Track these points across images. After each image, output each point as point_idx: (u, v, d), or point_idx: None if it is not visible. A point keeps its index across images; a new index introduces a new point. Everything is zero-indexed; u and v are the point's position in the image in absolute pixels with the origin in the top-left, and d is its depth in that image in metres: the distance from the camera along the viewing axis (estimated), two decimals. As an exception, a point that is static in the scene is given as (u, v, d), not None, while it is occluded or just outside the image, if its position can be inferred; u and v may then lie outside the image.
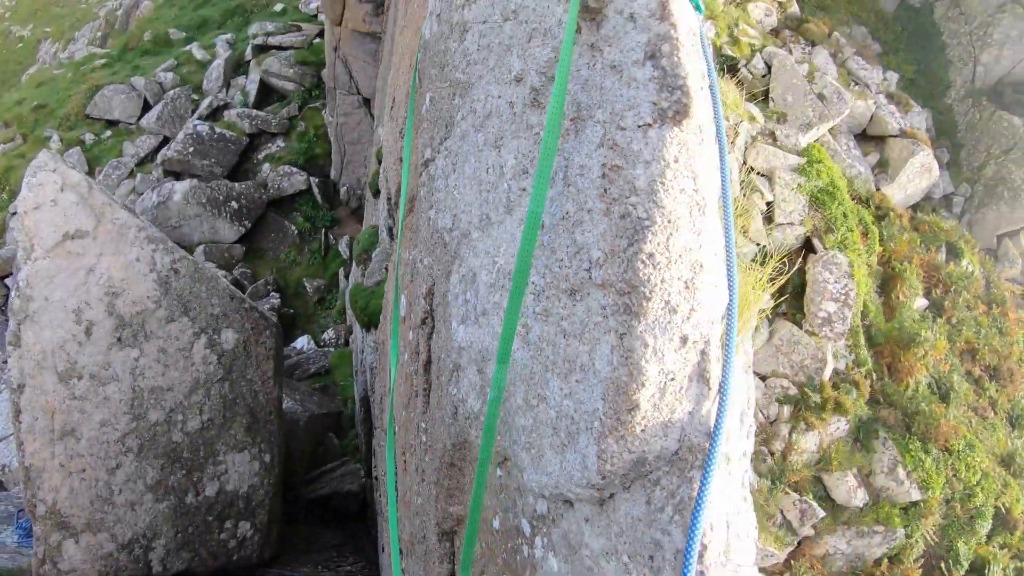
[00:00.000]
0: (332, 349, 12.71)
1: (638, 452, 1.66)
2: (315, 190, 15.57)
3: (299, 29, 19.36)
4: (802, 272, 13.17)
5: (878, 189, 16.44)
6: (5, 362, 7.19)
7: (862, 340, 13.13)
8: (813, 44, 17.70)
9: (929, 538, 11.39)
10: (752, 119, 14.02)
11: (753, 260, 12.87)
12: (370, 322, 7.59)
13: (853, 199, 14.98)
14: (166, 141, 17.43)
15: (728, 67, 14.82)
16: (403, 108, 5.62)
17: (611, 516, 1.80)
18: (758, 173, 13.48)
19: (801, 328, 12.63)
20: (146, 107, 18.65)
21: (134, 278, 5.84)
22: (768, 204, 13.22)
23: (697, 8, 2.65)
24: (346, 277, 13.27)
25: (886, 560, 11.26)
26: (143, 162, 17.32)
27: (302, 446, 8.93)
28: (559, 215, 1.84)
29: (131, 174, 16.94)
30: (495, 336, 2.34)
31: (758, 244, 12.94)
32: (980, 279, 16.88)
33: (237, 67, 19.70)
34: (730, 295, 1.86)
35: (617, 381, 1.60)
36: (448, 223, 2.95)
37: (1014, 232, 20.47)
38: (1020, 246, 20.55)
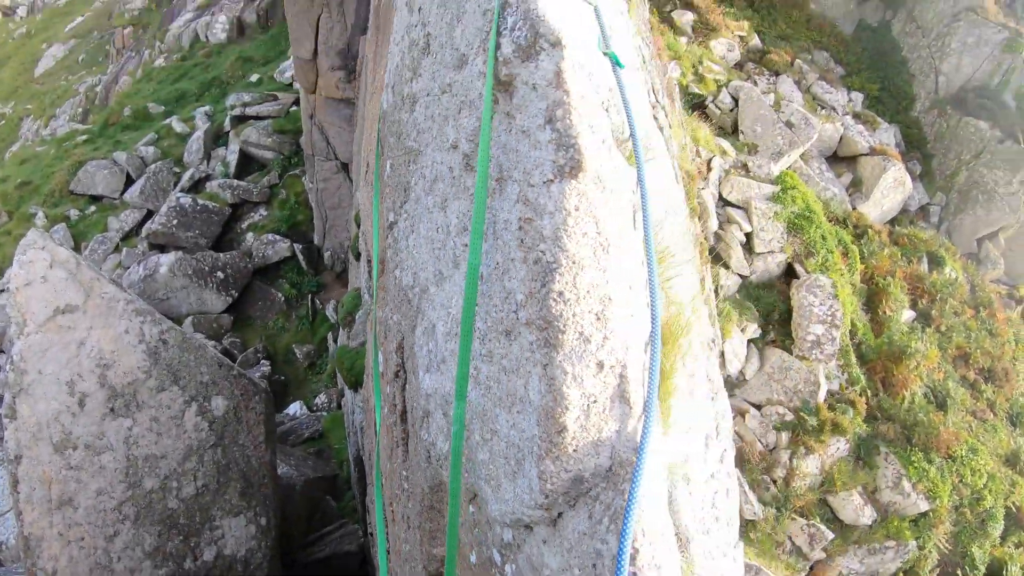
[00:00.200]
0: (325, 413, 12.84)
1: (574, 470, 1.89)
2: (299, 256, 15.90)
3: (275, 98, 20.02)
4: (787, 298, 13.46)
5: (854, 208, 16.87)
6: (1, 436, 7.37)
7: (853, 359, 13.33)
8: (777, 74, 18.39)
9: (942, 547, 11.40)
10: (724, 153, 14.48)
11: (737, 292, 13.17)
12: (357, 382, 7.79)
13: (830, 220, 15.38)
14: (150, 214, 17.81)
15: (696, 104, 15.38)
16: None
17: (562, 534, 2.02)
18: (734, 205, 13.88)
19: (791, 353, 12.84)
20: (129, 181, 19.08)
21: (124, 350, 6.09)
22: (747, 235, 13.59)
23: (615, 61, 2.98)
24: (335, 341, 13.49)
25: (901, 574, 11.24)
26: (128, 236, 17.67)
27: (299, 510, 9.01)
28: (492, 265, 2.12)
29: (117, 248, 17.27)
30: (454, 380, 2.58)
31: (741, 276, 13.26)
32: (964, 284, 17.18)
33: (216, 138, 20.27)
34: (652, 323, 2.12)
35: (546, 407, 1.84)
36: (410, 281, 3.22)
37: (992, 234, 20.88)
38: (1000, 246, 20.94)
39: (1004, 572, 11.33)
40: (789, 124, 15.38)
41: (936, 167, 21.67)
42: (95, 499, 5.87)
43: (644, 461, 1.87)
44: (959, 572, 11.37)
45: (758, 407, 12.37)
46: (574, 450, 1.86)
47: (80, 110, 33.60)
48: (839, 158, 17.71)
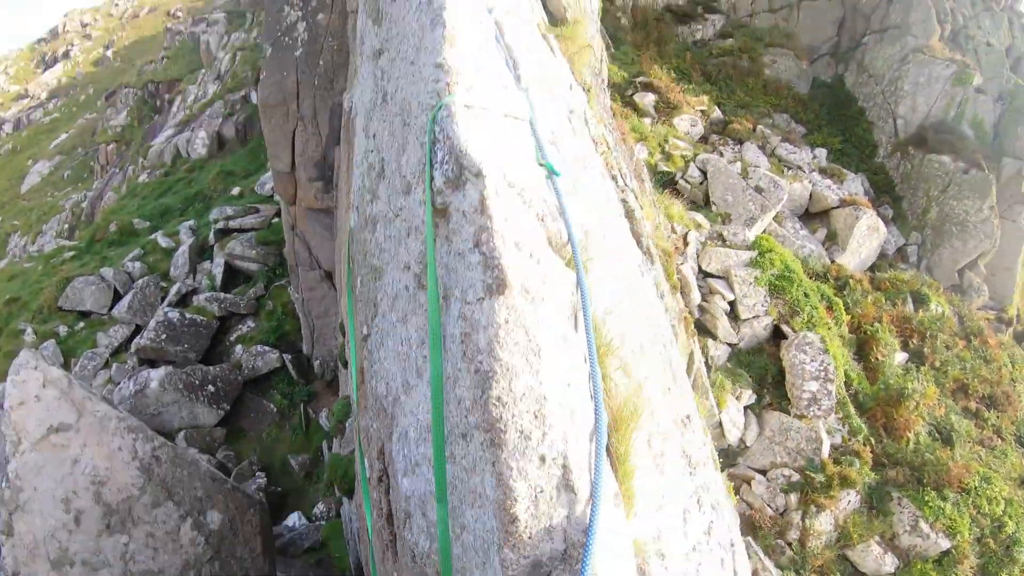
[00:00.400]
0: (324, 522, 12.71)
1: (532, 556, 2.11)
2: (289, 366, 16.09)
3: (257, 211, 20.72)
4: (777, 359, 13.66)
5: (833, 261, 17.36)
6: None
7: (852, 409, 13.46)
8: (741, 142, 19.27)
9: (971, 581, 11.25)
10: (698, 226, 15.02)
11: (728, 361, 13.39)
12: (350, 489, 7.87)
13: (811, 277, 15.81)
14: (138, 330, 18.06)
15: (666, 182, 16.05)
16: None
17: (532, 619, 2.21)
18: (715, 276, 14.30)
19: (789, 414, 12.97)
20: (116, 297, 19.43)
21: (118, 467, 6.26)
22: (731, 303, 13.94)
23: (551, 171, 3.34)
24: (329, 449, 13.52)
25: (933, 615, 11.03)
26: (118, 351, 17.84)
27: (303, 624, 8.87)
28: (447, 375, 2.39)
29: (106, 364, 17.42)
30: (428, 482, 2.81)
31: (730, 344, 13.53)
32: (952, 317, 17.50)
33: (202, 252, 20.83)
34: (596, 415, 2.38)
35: (499, 501, 2.07)
36: (384, 390, 3.48)
37: (972, 263, 21.38)
38: (982, 273, 21.37)
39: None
40: (758, 189, 16.00)
41: (907, 208, 22.33)
42: (95, 617, 5.90)
43: (593, 542, 2.09)
44: (992, 603, 11.24)
45: (763, 472, 12.37)
46: (529, 537, 2.08)
47: (66, 226, 34.56)
48: (811, 214, 18.30)
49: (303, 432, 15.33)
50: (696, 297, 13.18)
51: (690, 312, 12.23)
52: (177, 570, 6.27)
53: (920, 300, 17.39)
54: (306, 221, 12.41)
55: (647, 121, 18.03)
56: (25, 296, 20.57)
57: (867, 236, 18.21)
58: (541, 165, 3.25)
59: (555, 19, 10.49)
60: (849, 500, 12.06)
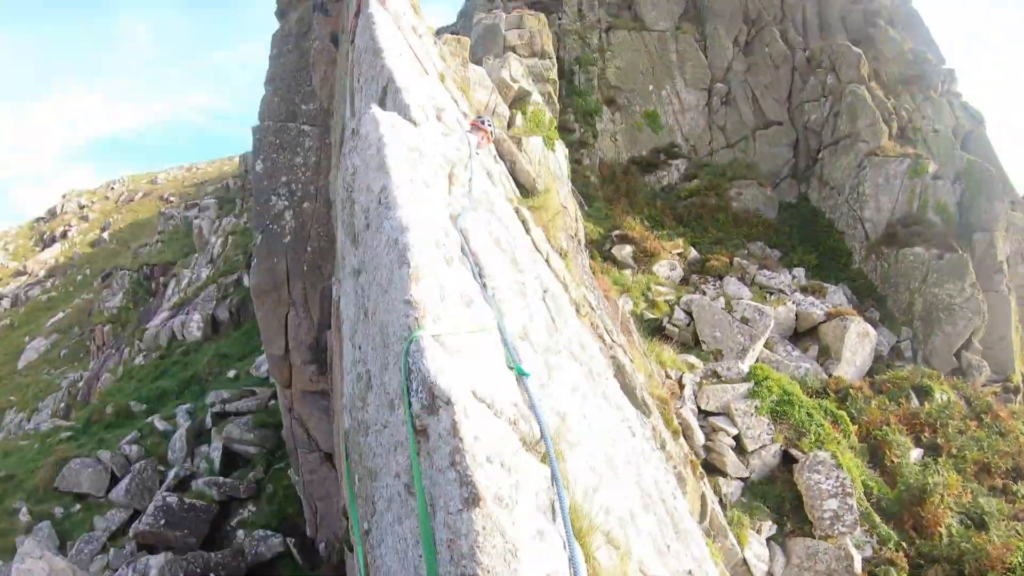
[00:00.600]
0: None
1: None
2: (294, 551, 15.74)
3: (254, 394, 21.09)
4: (792, 484, 13.59)
5: (830, 375, 17.64)
6: None
7: (877, 518, 13.26)
8: (720, 277, 20.17)
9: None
10: (692, 367, 15.44)
11: (743, 495, 13.30)
12: None
13: (811, 395, 16.05)
14: (137, 514, 17.75)
15: (654, 328, 16.65)
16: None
17: None
18: (715, 413, 14.53)
19: (814, 537, 12.75)
20: (114, 479, 19.20)
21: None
22: (735, 437, 14.08)
23: (520, 373, 3.72)
24: (342, 634, 13.03)
25: None
26: (115, 536, 17.41)
27: None
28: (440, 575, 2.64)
29: (104, 549, 16.92)
30: None
31: (741, 478, 13.53)
32: (959, 401, 17.57)
33: (199, 436, 20.89)
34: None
35: None
36: (387, 588, 3.66)
37: (967, 342, 21.63)
38: (978, 350, 21.56)
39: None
40: (745, 320, 16.53)
41: (892, 306, 22.87)
42: None
43: None
44: None
45: (798, 603, 11.98)
46: None
47: (63, 405, 34.69)
48: (800, 333, 18.77)
49: (314, 619, 14.76)
50: (700, 438, 13.32)
51: (696, 454, 12.33)
52: None
53: (924, 393, 17.53)
54: (303, 403, 12.70)
55: (627, 272, 18.96)
56: (20, 474, 20.39)
57: (859, 343, 18.58)
58: (511, 368, 3.64)
59: (526, 191, 11.44)
60: (894, 610, 11.68)
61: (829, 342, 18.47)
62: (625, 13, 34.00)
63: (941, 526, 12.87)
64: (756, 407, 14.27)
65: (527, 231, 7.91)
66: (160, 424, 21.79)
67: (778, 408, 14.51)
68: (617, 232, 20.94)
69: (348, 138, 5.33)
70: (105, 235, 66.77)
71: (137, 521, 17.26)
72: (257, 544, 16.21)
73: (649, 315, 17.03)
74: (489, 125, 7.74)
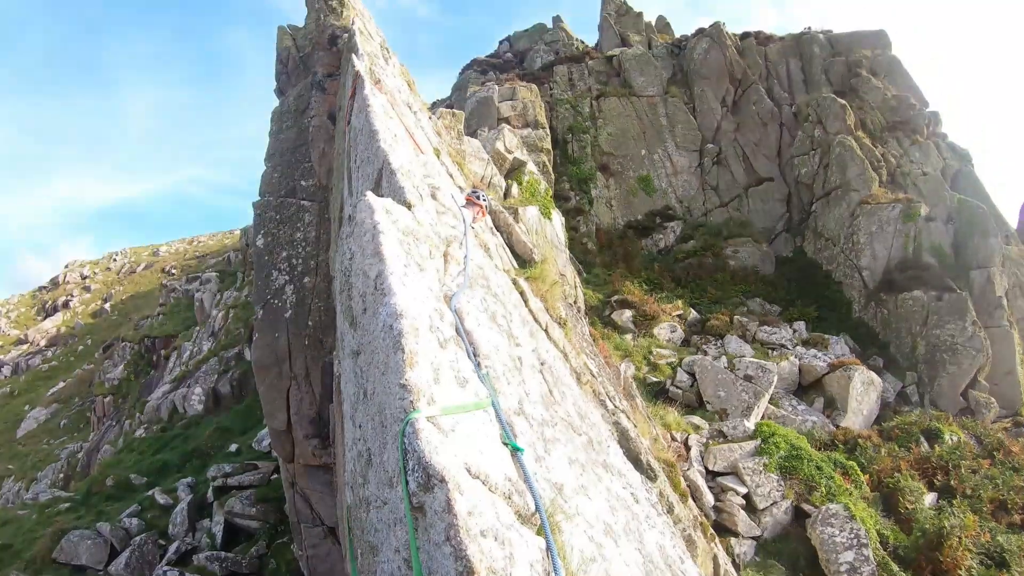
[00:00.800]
0: None
1: None
2: (301, 628, 15.51)
3: (256, 467, 20.98)
4: (806, 540, 13.42)
5: (837, 426, 17.58)
6: None
7: (895, 567, 13.05)
8: (721, 336, 20.28)
9: None
10: (697, 428, 15.44)
11: (756, 555, 13.14)
12: None
13: (819, 448, 15.99)
14: None
15: (658, 391, 16.70)
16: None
17: None
18: (723, 473, 14.47)
19: (831, 595, 12.47)
20: (113, 552, 18.95)
21: None
22: (745, 496, 13.99)
23: (515, 448, 3.85)
24: None
25: None
26: None
27: None
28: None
29: None
30: None
31: (754, 537, 13.38)
32: (969, 440, 17.43)
33: (200, 510, 20.68)
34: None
35: None
36: (394, 663, 3.72)
37: (973, 381, 21.55)
38: (985, 388, 21.48)
39: None
40: (748, 378, 16.58)
41: (895, 351, 22.86)
42: None
43: None
44: None
45: (819, 665, 11.68)
46: None
47: (62, 475, 34.37)
48: (804, 387, 18.77)
49: None
50: (709, 499, 13.24)
51: (706, 515, 12.24)
52: None
53: (933, 436, 17.42)
54: (306, 478, 12.67)
55: (628, 336, 19.11)
56: (18, 544, 20.12)
57: (864, 392, 18.56)
58: (506, 444, 3.79)
59: (523, 261, 11.70)
60: (921, 659, 11.37)
61: (834, 393, 18.46)
62: (614, 80, 35.19)
63: (961, 569, 12.65)
64: (764, 464, 14.20)
65: (525, 302, 8.10)
66: (161, 497, 21.64)
67: (787, 463, 14.44)
68: (616, 297, 21.20)
69: (345, 221, 5.59)
70: (107, 306, 67.33)
71: (140, 596, 17.02)
72: (261, 623, 15.92)
73: (652, 378, 17.10)
74: (484, 199, 8.06)
